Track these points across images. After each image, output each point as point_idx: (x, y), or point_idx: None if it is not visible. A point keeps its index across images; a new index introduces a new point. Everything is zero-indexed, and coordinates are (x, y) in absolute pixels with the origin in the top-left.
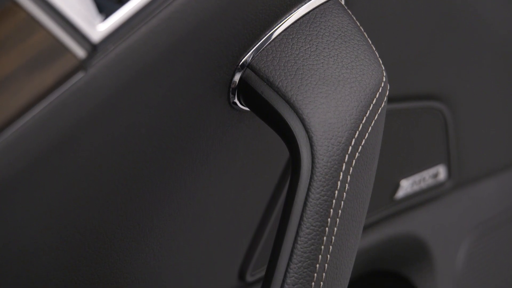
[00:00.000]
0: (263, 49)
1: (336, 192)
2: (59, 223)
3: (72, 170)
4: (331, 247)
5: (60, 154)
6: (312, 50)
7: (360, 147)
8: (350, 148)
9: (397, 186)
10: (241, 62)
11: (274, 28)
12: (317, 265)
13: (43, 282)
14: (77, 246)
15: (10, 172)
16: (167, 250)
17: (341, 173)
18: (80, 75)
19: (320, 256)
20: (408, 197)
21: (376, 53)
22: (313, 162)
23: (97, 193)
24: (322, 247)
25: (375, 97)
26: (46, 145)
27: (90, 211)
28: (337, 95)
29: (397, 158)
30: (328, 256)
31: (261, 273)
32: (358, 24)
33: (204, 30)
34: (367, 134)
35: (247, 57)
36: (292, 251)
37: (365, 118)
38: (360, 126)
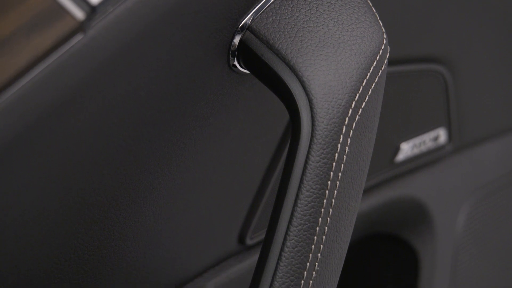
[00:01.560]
0: (263, 11)
1: (336, 154)
2: (59, 187)
3: (72, 132)
4: (331, 210)
5: (60, 117)
6: (312, 12)
7: (361, 109)
8: (350, 110)
9: (397, 149)
10: (240, 25)
11: None
12: (317, 228)
13: (42, 246)
14: (77, 210)
15: (9, 135)
16: (166, 213)
17: (341, 136)
18: (79, 37)
19: (320, 219)
20: (408, 160)
21: (377, 15)
22: (313, 124)
23: (97, 156)
24: (322, 210)
25: (376, 59)
26: (45, 107)
27: (89, 174)
28: (337, 57)
29: (397, 121)
30: (328, 219)
31: (261, 237)
32: None
33: None
34: (367, 96)
35: (247, 19)
36: (292, 214)
37: (365, 80)
38: (361, 89)
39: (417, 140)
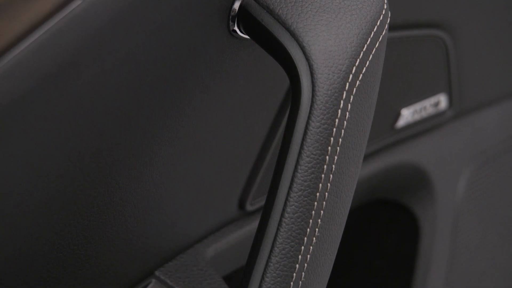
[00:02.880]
0: None
1: (337, 120)
2: (58, 151)
3: (71, 97)
4: (331, 175)
5: (59, 81)
6: None
7: (361, 75)
8: (351, 76)
9: (397, 115)
10: None
11: None
12: (317, 194)
13: (42, 211)
14: (76, 175)
15: (9, 99)
16: (166, 179)
17: (342, 101)
18: (78, 2)
19: (320, 184)
20: (409, 126)
21: None
22: (313, 90)
23: (96, 121)
24: (323, 175)
25: (376, 24)
26: (44, 72)
27: (89, 139)
28: (337, 22)
29: (398, 87)
30: (329, 184)
31: (261, 203)
32: None
33: None
34: (368, 62)
35: None
36: (292, 180)
37: (366, 46)
38: (361, 54)
39: (417, 106)
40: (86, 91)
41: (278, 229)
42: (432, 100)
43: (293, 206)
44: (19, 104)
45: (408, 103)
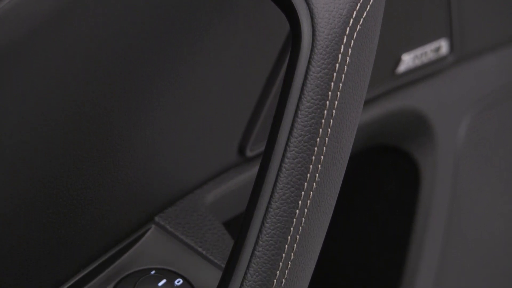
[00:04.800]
0: None
1: (337, 65)
2: (56, 97)
3: (70, 42)
4: (331, 120)
5: (58, 25)
6: None
7: (362, 19)
8: (351, 20)
9: (398, 60)
10: None
11: None
12: (318, 139)
13: (41, 155)
14: (76, 120)
15: (7, 42)
16: (166, 125)
17: (342, 46)
18: None
19: (320, 130)
20: (409, 72)
21: None
22: (313, 34)
23: (96, 66)
24: (323, 120)
25: None
26: (44, 16)
27: (89, 84)
28: None
29: (398, 32)
30: (329, 130)
31: (261, 148)
32: None
33: None
34: (368, 6)
35: None
36: (292, 125)
37: None
38: None
39: (418, 51)
40: (85, 35)
41: (278, 174)
42: (433, 45)
43: (293, 152)
44: (18, 48)
45: (408, 48)
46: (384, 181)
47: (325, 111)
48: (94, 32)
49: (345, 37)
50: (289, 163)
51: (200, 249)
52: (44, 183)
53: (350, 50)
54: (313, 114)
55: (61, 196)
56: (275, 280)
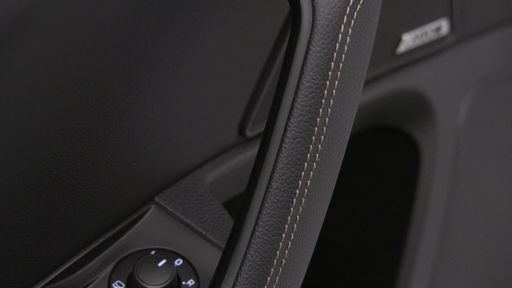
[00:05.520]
0: None
1: (337, 45)
2: (57, 74)
3: (70, 19)
4: (332, 100)
5: (58, 2)
6: None
7: None
8: (352, 0)
9: (399, 40)
10: None
11: None
12: (318, 119)
13: (41, 135)
14: (75, 99)
15: (6, 20)
16: (166, 104)
17: (342, 26)
18: None
19: (320, 109)
20: (410, 52)
21: None
22: (313, 14)
23: (96, 44)
24: (323, 100)
25: None
26: None
27: (88, 62)
28: None
29: (399, 11)
30: (329, 110)
31: (261, 128)
32: None
33: None
34: None
35: None
36: (292, 105)
37: None
38: None
39: (418, 31)
40: (84, 14)
41: (278, 154)
42: (434, 25)
43: (293, 132)
44: (17, 24)
45: (409, 28)
46: (384, 161)
47: (325, 91)
48: (93, 10)
49: (345, 16)
50: (289, 143)
51: (200, 229)
52: (43, 163)
53: (350, 30)
54: (313, 94)
55: (60, 176)
56: (275, 260)
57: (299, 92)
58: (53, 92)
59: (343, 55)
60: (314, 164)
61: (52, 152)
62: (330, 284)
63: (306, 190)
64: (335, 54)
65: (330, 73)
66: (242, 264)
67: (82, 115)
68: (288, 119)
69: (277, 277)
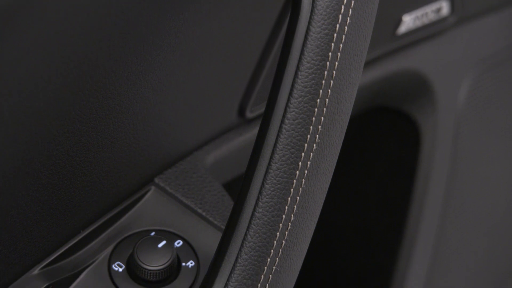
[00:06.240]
0: None
1: (338, 25)
2: (56, 57)
3: (69, 1)
4: (332, 81)
5: None
6: None
7: None
8: None
9: (399, 21)
10: None
11: None
12: (318, 100)
13: (41, 115)
14: (75, 81)
15: (5, 3)
16: (166, 86)
17: (343, 6)
18: None
19: (321, 90)
20: (410, 33)
21: None
22: None
23: (95, 25)
24: (323, 81)
25: None
26: None
27: (88, 43)
28: None
29: None
30: (329, 90)
31: (261, 110)
32: None
33: None
34: None
35: None
36: (292, 86)
37: None
38: None
39: (419, 12)
40: None
41: (278, 135)
42: (434, 6)
43: (293, 112)
44: (16, 7)
45: (409, 9)
46: (384, 143)
47: (325, 72)
48: None
49: None
50: (289, 124)
51: (200, 211)
52: (43, 144)
53: (350, 10)
54: (313, 75)
55: (60, 157)
56: (275, 242)
57: (299, 73)
58: (53, 73)
59: (343, 36)
60: (314, 145)
61: (52, 133)
62: (330, 265)
63: (306, 171)
64: (335, 35)
65: (330, 54)
66: (242, 245)
67: (81, 96)
68: (288, 100)
69: (277, 258)
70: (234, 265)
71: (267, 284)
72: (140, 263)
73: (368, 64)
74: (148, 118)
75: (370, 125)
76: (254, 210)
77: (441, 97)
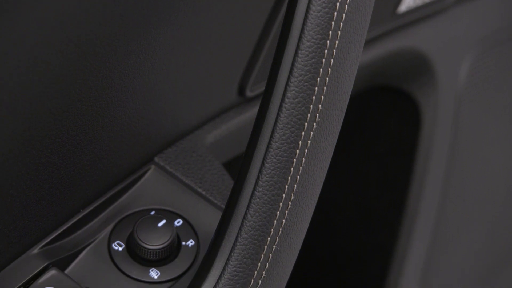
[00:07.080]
0: None
1: (338, 4)
2: (56, 34)
3: None
4: (332, 60)
5: None
6: None
7: None
8: None
9: (399, 0)
10: None
11: None
12: (318, 79)
13: (40, 95)
14: (75, 60)
15: None
16: (165, 64)
17: None
18: None
19: (321, 69)
20: (410, 11)
21: None
22: None
23: (95, 5)
24: (323, 60)
25: None
26: None
27: (88, 22)
28: None
29: None
30: (329, 69)
31: (261, 88)
32: None
33: None
34: None
35: None
36: (292, 65)
37: None
38: None
39: None
40: None
41: (278, 114)
42: None
43: (293, 91)
44: None
45: None
46: (384, 122)
47: (326, 51)
48: None
49: None
50: (289, 103)
51: (200, 190)
52: (43, 123)
53: None
54: (313, 53)
55: (59, 136)
56: (275, 221)
57: (299, 51)
58: (53, 52)
59: (344, 14)
60: (315, 124)
61: (52, 112)
62: (330, 244)
63: (306, 150)
64: (335, 13)
65: (330, 32)
66: (242, 225)
67: (81, 75)
68: (289, 78)
69: (277, 237)
70: (234, 244)
71: (267, 263)
72: (140, 242)
73: (369, 42)
74: (148, 97)
75: (371, 104)
76: (254, 189)
77: (441, 76)
